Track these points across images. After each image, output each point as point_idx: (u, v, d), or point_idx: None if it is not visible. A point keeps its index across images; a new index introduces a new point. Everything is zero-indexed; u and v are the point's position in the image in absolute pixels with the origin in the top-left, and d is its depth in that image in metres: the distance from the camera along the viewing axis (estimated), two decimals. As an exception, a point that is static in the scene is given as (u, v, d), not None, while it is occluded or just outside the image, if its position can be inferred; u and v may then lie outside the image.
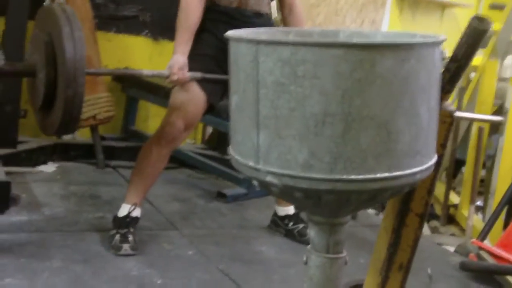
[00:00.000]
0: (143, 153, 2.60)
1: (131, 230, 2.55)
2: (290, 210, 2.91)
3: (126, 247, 2.49)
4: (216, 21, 2.55)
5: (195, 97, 2.52)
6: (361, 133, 1.19)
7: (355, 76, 1.19)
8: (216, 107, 2.65)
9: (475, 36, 1.41)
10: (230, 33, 1.35)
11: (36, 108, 2.45)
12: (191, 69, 2.46)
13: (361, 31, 1.61)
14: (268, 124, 1.24)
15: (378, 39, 1.52)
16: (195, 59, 2.49)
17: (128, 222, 2.56)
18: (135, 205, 2.58)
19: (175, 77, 2.41)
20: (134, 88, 4.11)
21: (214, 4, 2.56)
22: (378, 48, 1.20)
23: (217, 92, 2.58)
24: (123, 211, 2.59)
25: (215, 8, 2.57)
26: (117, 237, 2.52)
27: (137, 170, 2.62)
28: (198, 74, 2.48)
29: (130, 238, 2.52)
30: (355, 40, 1.46)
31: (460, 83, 4.03)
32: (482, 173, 3.95)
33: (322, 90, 1.19)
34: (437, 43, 1.30)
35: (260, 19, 2.60)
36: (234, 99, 1.34)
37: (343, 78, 1.19)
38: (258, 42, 1.25)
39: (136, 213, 2.60)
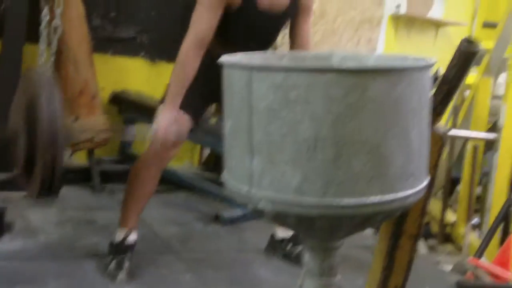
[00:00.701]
0: (132, 175, 2.60)
1: (128, 256, 2.53)
2: (289, 232, 2.90)
3: (121, 275, 2.47)
4: (207, 64, 2.40)
5: (179, 117, 2.52)
6: (352, 157, 1.20)
7: (347, 100, 1.19)
8: (199, 126, 2.66)
9: (465, 58, 1.43)
10: (224, 59, 1.36)
11: (18, 172, 2.42)
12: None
13: (354, 54, 1.62)
14: (261, 149, 1.25)
15: (371, 62, 1.53)
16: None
17: (125, 248, 2.55)
18: (130, 230, 2.57)
19: (160, 136, 2.39)
20: (130, 110, 4.12)
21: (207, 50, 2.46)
22: (369, 73, 1.22)
23: (201, 112, 2.61)
24: (119, 236, 2.58)
25: (209, 53, 2.43)
26: (113, 264, 2.50)
27: (128, 193, 2.61)
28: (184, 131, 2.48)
29: (126, 265, 2.50)
30: (347, 64, 1.48)
31: (455, 101, 4.05)
32: (478, 190, 3.95)
33: (313, 114, 1.20)
34: (428, 67, 1.31)
35: None
36: (228, 124, 1.35)
37: (335, 102, 1.19)
38: (251, 68, 1.26)
39: (133, 237, 2.58)
